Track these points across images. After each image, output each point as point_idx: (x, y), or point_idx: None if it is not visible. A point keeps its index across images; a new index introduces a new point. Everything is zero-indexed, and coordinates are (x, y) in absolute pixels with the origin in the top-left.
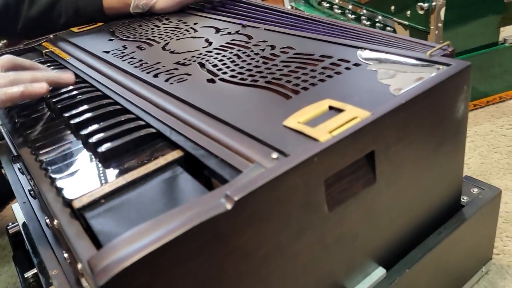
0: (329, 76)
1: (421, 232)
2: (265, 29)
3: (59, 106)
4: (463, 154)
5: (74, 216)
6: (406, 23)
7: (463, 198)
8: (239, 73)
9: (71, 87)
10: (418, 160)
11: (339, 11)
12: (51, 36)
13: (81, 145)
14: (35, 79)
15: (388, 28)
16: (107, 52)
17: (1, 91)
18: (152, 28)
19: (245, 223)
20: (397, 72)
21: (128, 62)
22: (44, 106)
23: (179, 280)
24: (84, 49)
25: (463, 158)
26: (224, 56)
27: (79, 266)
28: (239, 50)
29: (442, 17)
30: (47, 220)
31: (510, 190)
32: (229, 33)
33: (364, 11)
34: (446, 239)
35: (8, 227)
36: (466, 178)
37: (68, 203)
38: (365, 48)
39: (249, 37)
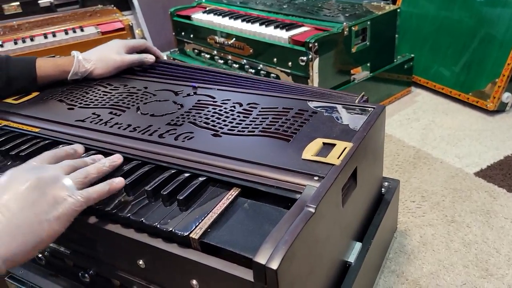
0: (303, 123)
1: (370, 215)
2: (217, 89)
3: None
4: (382, 162)
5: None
6: (288, 71)
7: (382, 190)
8: (233, 127)
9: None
10: (369, 169)
11: (222, 61)
12: None
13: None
14: (102, 172)
15: (272, 75)
16: (83, 121)
17: (92, 190)
18: (105, 94)
19: (317, 219)
20: (346, 114)
21: (119, 128)
22: None
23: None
24: (50, 120)
25: (382, 165)
26: (205, 114)
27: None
28: (214, 108)
29: (317, 67)
30: None
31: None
32: (189, 94)
33: (245, 61)
34: (384, 216)
35: None
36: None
37: (182, 237)
38: (311, 100)
39: (212, 97)
